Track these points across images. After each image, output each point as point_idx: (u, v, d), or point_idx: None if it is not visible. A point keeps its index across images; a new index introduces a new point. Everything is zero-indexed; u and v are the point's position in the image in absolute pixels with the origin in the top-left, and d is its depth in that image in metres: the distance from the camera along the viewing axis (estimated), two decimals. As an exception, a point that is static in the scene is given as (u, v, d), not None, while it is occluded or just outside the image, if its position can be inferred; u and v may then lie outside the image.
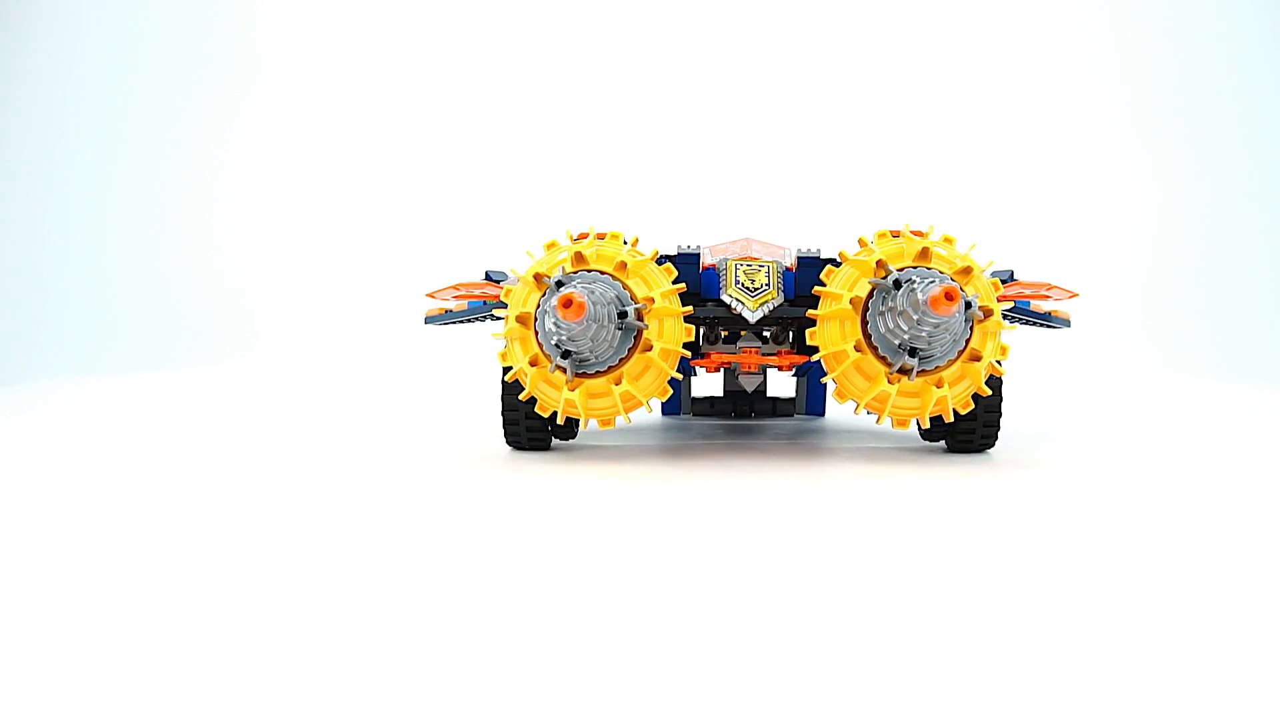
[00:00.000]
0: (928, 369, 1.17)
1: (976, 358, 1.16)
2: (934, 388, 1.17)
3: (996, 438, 1.34)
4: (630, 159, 2.85)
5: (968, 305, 1.15)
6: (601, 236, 1.29)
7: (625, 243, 1.28)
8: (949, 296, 1.06)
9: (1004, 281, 1.39)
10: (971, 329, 1.17)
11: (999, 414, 1.31)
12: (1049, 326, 1.44)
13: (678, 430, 1.63)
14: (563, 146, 2.91)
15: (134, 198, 2.90)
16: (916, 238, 1.23)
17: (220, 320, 2.68)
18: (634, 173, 2.83)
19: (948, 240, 1.23)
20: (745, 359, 1.27)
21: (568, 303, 1.10)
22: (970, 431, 1.32)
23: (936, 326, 1.12)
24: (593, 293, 1.15)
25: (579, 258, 1.20)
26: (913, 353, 1.15)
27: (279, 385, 2.09)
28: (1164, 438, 1.60)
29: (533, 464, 1.30)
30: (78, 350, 2.64)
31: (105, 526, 0.97)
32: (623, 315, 1.17)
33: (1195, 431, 1.68)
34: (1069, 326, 1.47)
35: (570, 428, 1.46)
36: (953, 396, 1.19)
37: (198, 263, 2.83)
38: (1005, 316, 1.41)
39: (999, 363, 1.21)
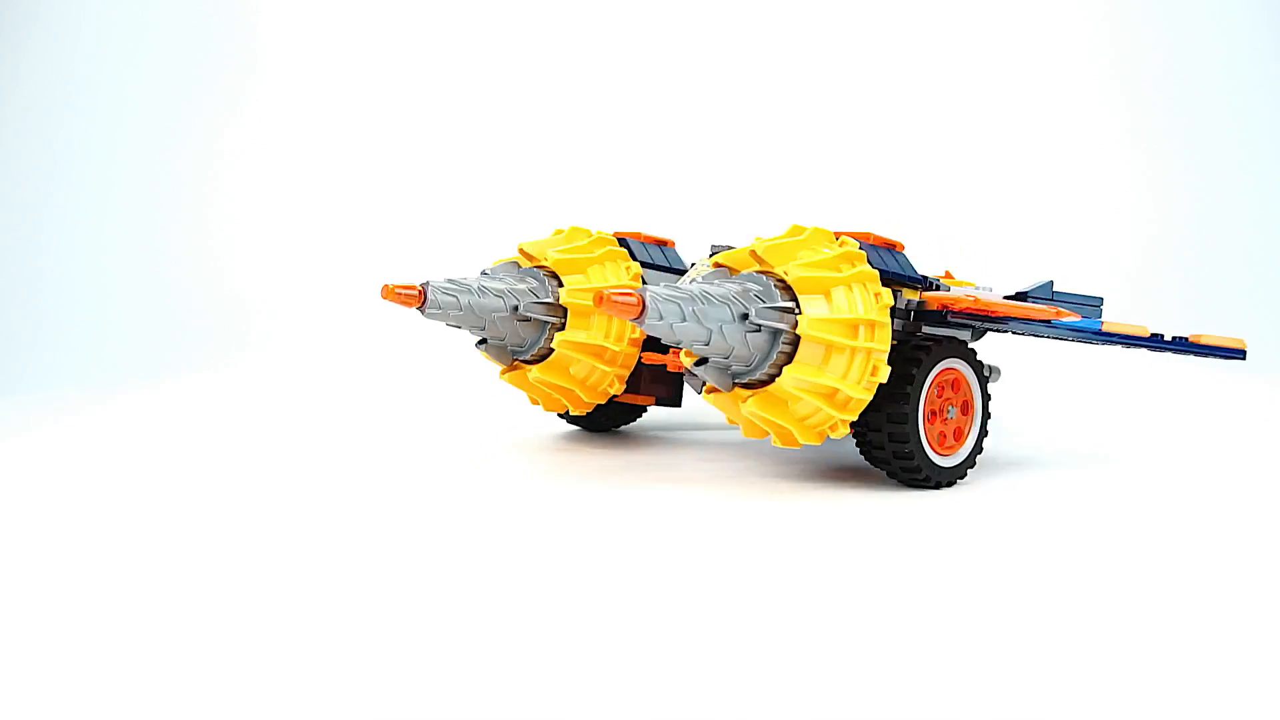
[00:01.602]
0: (742, 382, 1.08)
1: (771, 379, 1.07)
2: (740, 402, 1.09)
3: (922, 474, 1.15)
4: (660, 159, 2.84)
5: (743, 317, 1.05)
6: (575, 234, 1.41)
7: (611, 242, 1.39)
8: (596, 300, 0.99)
9: (1029, 296, 1.34)
10: (795, 347, 1.05)
11: (908, 446, 1.13)
12: (1220, 357, 1.22)
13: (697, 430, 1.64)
14: (566, 145, 2.88)
15: (130, 203, 2.89)
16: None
17: (219, 324, 2.66)
18: (670, 174, 2.82)
19: (894, 245, 1.21)
20: (671, 360, 1.21)
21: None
22: (886, 462, 1.16)
23: (671, 330, 1.02)
24: (486, 289, 1.28)
25: (524, 255, 1.35)
26: (700, 361, 1.09)
27: (280, 388, 2.06)
28: (1163, 434, 1.59)
29: (534, 463, 1.34)
30: (76, 358, 2.64)
31: (114, 534, 1.00)
32: (515, 309, 1.30)
33: (1196, 430, 1.65)
34: (1243, 358, 1.22)
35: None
36: (763, 416, 1.09)
37: (195, 267, 2.83)
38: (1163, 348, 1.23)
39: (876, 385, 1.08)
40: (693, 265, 1.31)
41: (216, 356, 2.55)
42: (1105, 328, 1.19)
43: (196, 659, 0.68)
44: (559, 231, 1.44)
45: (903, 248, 1.24)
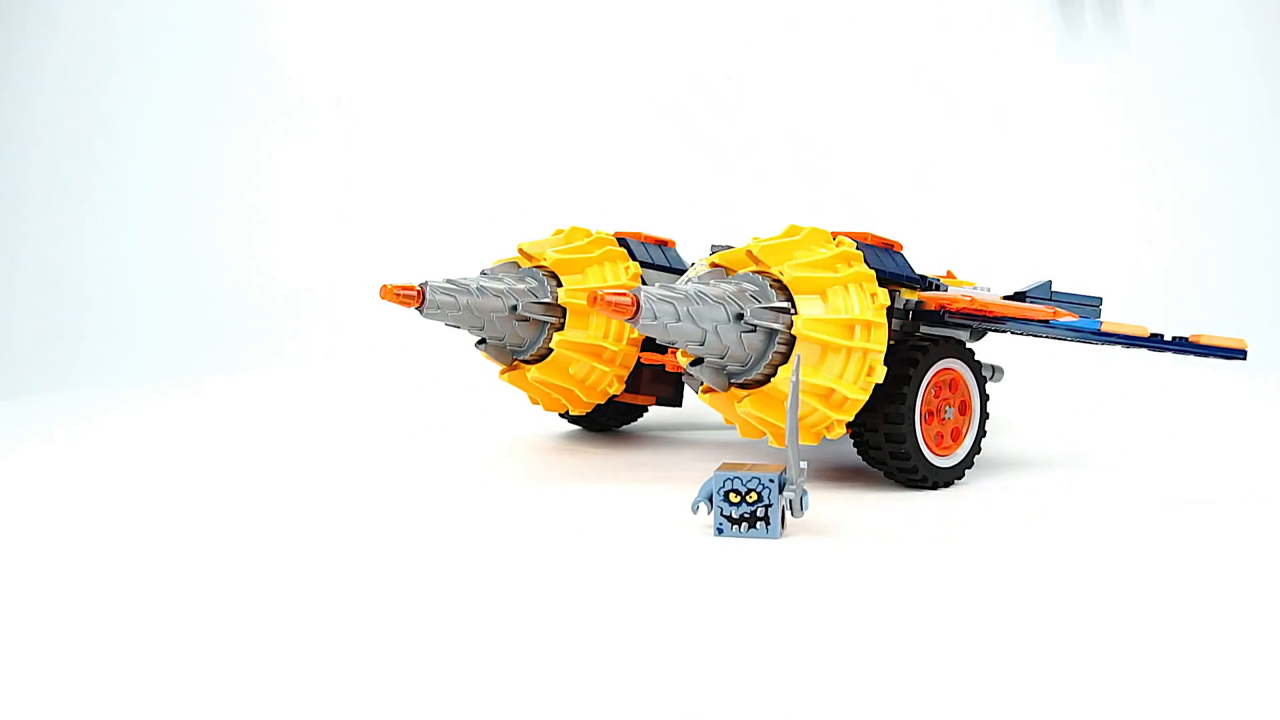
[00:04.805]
0: (739, 382, 1.09)
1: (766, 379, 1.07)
2: (736, 402, 1.09)
3: (918, 474, 1.15)
4: (659, 159, 2.84)
5: (739, 317, 1.05)
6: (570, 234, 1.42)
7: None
8: (590, 300, 0.99)
9: (1027, 296, 1.34)
10: (791, 347, 1.06)
11: (904, 447, 1.13)
12: (1221, 357, 1.17)
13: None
14: (566, 145, 2.90)
15: (169, 208, 2.93)
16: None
17: (253, 326, 2.69)
18: (670, 174, 2.82)
19: (893, 245, 1.22)
20: (669, 360, 1.23)
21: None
22: (882, 462, 1.17)
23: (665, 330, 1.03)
24: (485, 289, 1.28)
25: (524, 254, 1.36)
26: (696, 361, 1.09)
27: (279, 389, 2.08)
28: (1162, 435, 1.58)
29: (533, 463, 1.35)
30: (111, 359, 2.66)
31: (125, 534, 1.02)
32: (513, 309, 1.30)
33: (1195, 431, 1.64)
34: (1244, 359, 1.17)
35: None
36: (758, 416, 1.08)
37: (231, 270, 2.86)
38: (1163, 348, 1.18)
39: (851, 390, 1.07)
40: (692, 265, 1.31)
41: (251, 359, 2.56)
42: (1104, 328, 1.18)
43: (200, 659, 0.68)
44: (559, 231, 1.45)
45: (901, 247, 1.24)
